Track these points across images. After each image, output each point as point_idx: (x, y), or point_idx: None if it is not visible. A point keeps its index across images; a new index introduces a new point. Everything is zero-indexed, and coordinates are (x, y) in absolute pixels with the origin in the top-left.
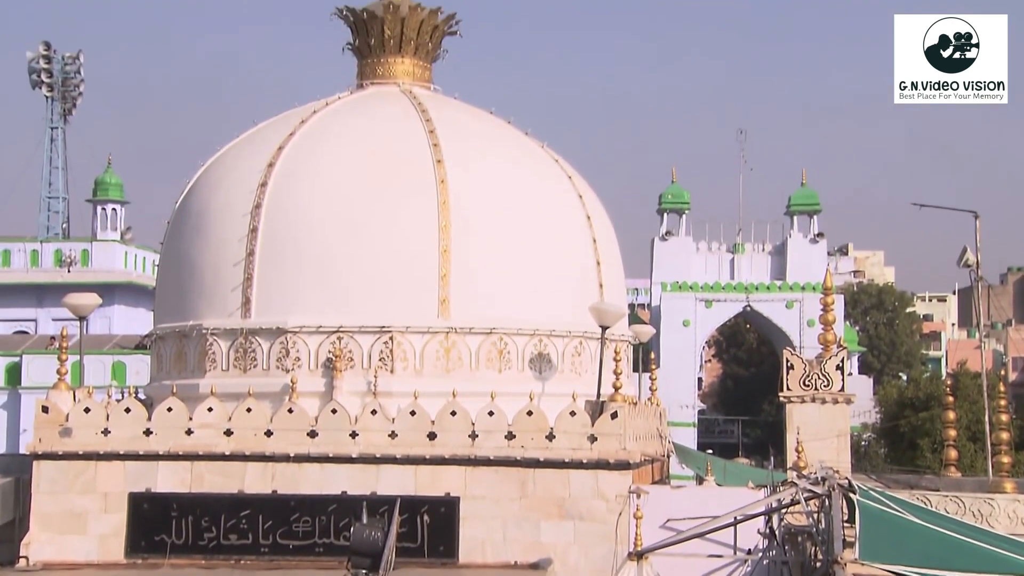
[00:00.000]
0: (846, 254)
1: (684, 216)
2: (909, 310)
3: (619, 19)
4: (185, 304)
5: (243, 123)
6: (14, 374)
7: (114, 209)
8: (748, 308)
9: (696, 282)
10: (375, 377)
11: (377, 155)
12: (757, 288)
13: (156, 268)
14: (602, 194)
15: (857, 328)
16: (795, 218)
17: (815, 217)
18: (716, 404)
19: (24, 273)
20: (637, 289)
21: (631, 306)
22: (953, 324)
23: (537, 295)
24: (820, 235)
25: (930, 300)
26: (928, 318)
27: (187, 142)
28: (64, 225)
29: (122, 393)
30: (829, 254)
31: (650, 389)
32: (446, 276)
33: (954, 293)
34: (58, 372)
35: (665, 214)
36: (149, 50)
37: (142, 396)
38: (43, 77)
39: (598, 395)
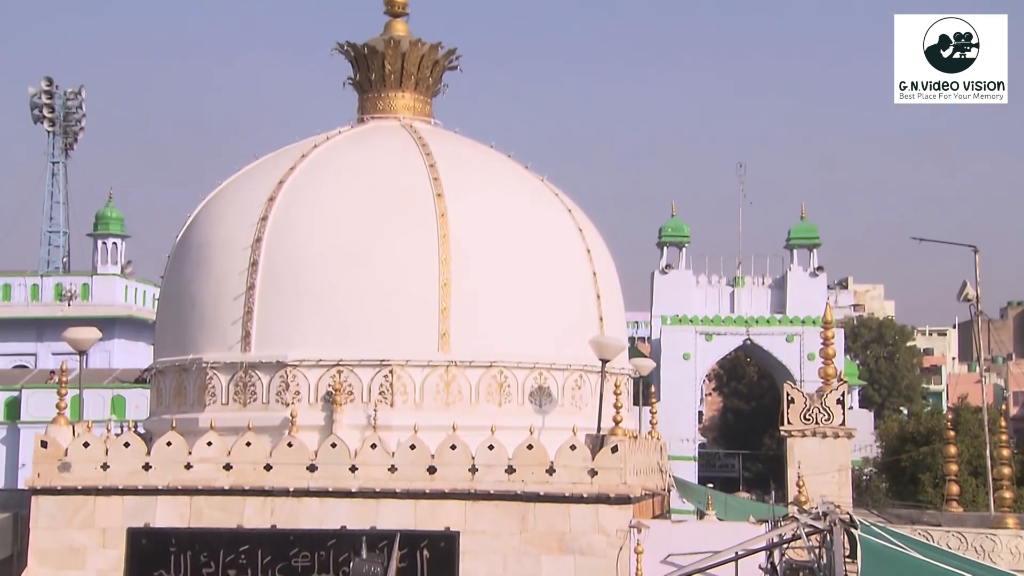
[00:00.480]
0: (846, 288)
1: (684, 249)
2: (909, 344)
3: (618, 54)
4: (185, 338)
5: (244, 157)
6: (13, 408)
7: (115, 243)
8: (748, 341)
9: (696, 315)
10: (375, 411)
11: (377, 189)
12: (757, 321)
13: (156, 302)
14: (602, 227)
15: (857, 362)
16: (795, 252)
17: (815, 251)
18: (716, 438)
19: (24, 307)
20: (637, 322)
21: (631, 339)
22: (953, 358)
23: (537, 328)
24: (820, 269)
25: (930, 334)
26: (928, 352)
27: (188, 176)
28: (64, 259)
29: (121, 427)
30: (829, 288)
31: (650, 423)
32: (446, 309)
33: (954, 327)
34: (57, 406)
35: (665, 247)
36: (151, 85)
37: (141, 430)
38: (45, 112)
39: (598, 429)
